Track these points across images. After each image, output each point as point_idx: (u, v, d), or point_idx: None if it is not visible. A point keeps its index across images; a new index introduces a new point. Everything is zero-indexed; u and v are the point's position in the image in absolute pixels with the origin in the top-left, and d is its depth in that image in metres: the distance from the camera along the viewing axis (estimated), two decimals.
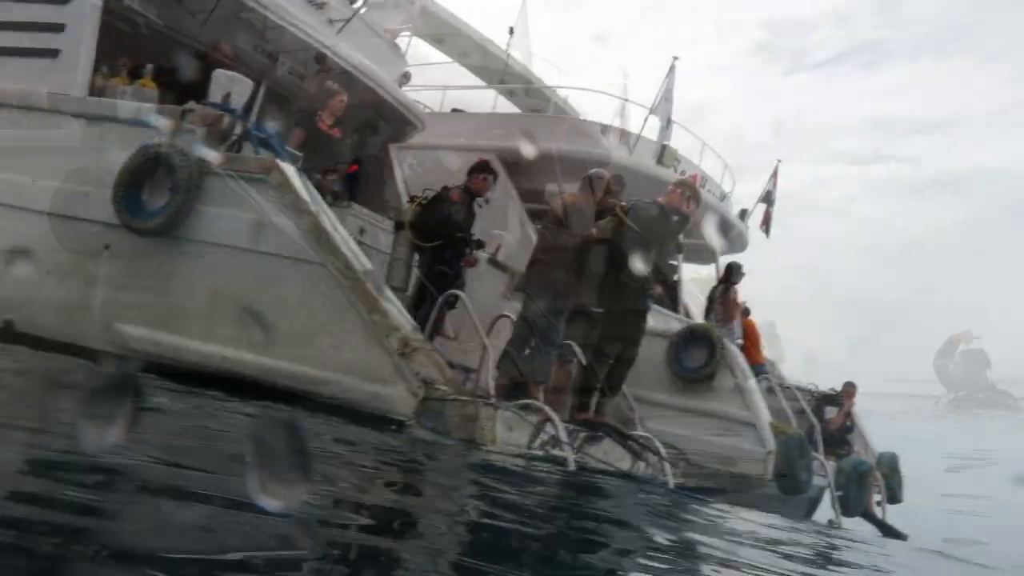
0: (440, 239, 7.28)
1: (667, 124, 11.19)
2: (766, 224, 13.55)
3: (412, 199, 7.88)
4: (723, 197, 12.92)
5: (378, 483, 3.86)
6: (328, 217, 5.82)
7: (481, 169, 7.69)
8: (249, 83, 6.75)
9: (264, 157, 6.19)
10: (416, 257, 7.50)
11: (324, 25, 8.37)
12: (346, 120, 8.04)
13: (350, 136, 8.78)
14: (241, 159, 6.22)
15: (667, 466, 7.56)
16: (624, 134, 11.49)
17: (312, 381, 5.45)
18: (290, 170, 5.91)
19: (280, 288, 5.83)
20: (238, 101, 6.47)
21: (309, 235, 5.71)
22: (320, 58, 8.14)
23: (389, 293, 5.73)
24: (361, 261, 5.68)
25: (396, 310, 5.55)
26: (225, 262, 6.04)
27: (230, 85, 6.43)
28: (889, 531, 10.94)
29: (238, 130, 6.29)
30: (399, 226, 7.75)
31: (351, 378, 5.41)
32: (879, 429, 12.97)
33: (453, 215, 7.31)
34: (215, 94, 6.46)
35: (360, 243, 7.08)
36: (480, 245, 8.06)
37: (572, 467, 5.81)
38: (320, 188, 6.50)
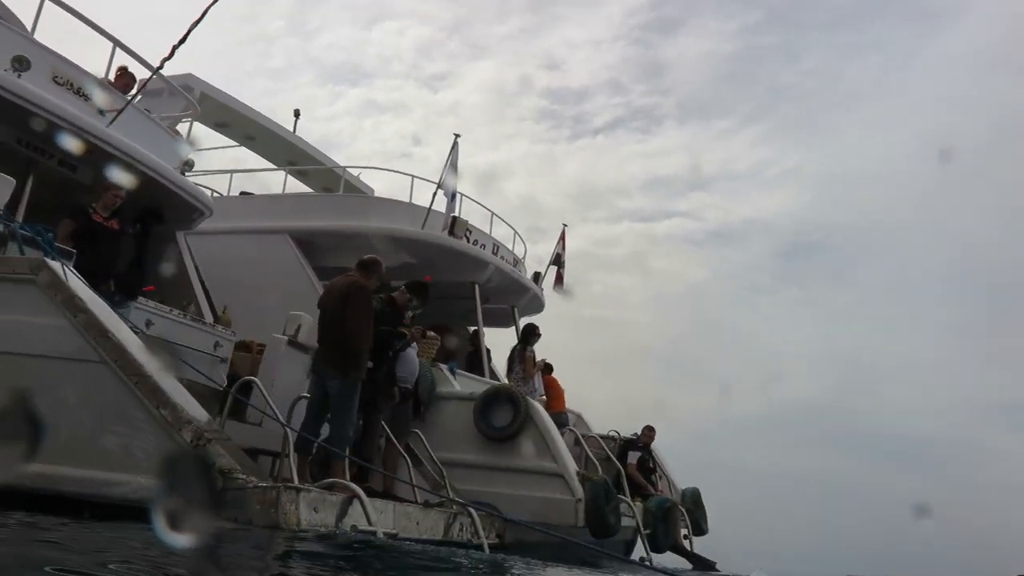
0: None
1: (452, 197, 11.66)
2: (559, 284, 14.32)
3: None
4: (516, 263, 13.52)
5: None
6: (106, 313, 5.63)
7: (410, 288, 8.14)
8: (10, 180, 6.45)
9: (31, 257, 5.91)
10: None
11: (93, 115, 8.12)
12: (125, 211, 7.80)
13: (133, 227, 8.50)
14: (5, 260, 5.91)
15: (481, 530, 7.74)
16: (415, 209, 11.85)
17: (100, 484, 5.20)
18: (60, 268, 5.68)
19: (58, 391, 5.54)
20: None
21: (86, 333, 5.49)
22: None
23: (179, 385, 5.60)
24: (145, 356, 5.52)
25: (186, 401, 5.42)
26: None
27: None
28: (698, 561, 11.66)
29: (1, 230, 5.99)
30: None
31: (143, 476, 5.21)
32: None
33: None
34: None
35: (148, 336, 6.88)
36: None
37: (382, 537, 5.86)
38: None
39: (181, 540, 1.84)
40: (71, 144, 7.98)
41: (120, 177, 7.74)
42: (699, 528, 12.42)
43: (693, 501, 12.57)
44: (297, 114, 14.97)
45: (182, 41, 7.40)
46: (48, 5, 8.01)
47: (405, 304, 7.98)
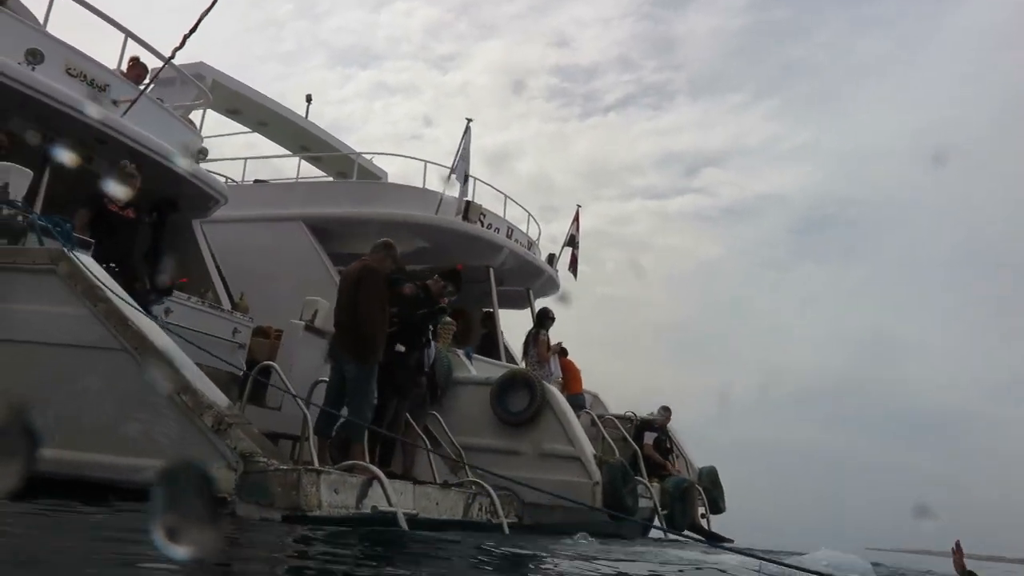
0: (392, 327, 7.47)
1: (465, 181, 11.67)
2: (573, 266, 14.33)
3: None
4: (530, 245, 13.54)
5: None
6: (126, 301, 5.69)
7: (444, 276, 8.04)
8: (27, 172, 6.51)
9: (51, 247, 5.98)
10: None
11: (108, 106, 8.17)
12: (141, 200, 7.85)
13: (148, 216, 8.55)
14: (25, 251, 5.98)
15: (500, 509, 7.80)
16: (428, 194, 11.88)
17: (124, 469, 5.27)
18: (80, 258, 5.75)
19: (81, 379, 5.62)
20: (17, 190, 6.22)
21: (107, 322, 5.56)
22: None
23: (198, 370, 5.66)
24: (165, 342, 5.58)
25: (207, 387, 5.49)
26: (17, 358, 5.77)
27: (5, 175, 6.19)
28: (715, 539, 11.68)
29: (19, 221, 6.05)
30: None
31: (167, 461, 5.27)
32: None
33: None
34: None
35: (168, 324, 6.94)
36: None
37: (403, 525, 5.92)
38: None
39: (180, 553, 1.85)
40: (86, 135, 8.06)
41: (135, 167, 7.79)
42: (716, 507, 12.43)
43: (710, 480, 12.58)
44: (309, 99, 15.01)
45: (193, 30, 7.40)
46: None
47: (440, 291, 8.01)
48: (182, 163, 8.65)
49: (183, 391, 5.37)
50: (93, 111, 7.77)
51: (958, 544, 5.30)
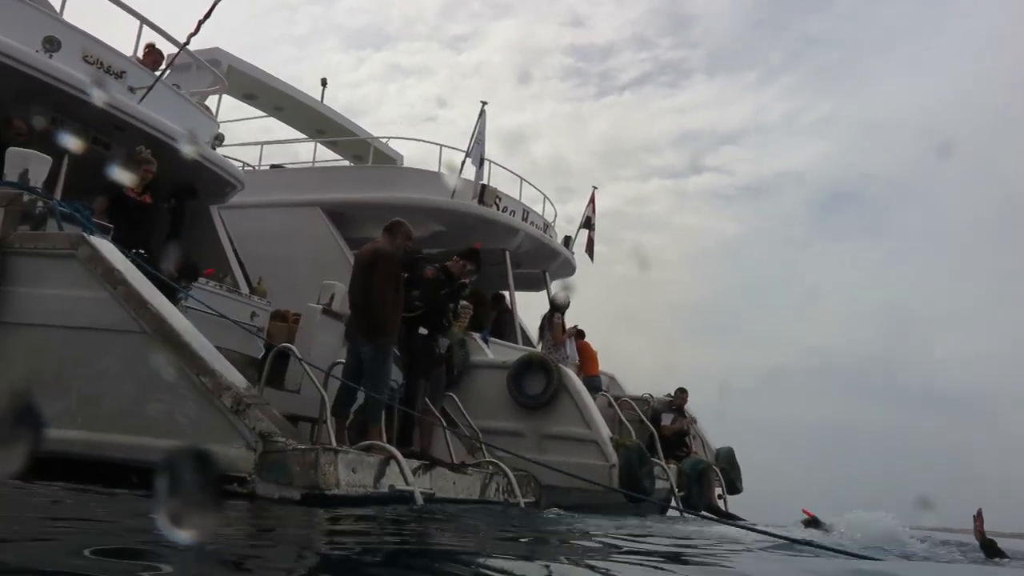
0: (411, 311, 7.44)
1: (480, 164, 11.68)
2: (590, 249, 14.33)
3: None
4: (546, 227, 13.54)
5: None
6: (144, 284, 5.76)
7: (464, 255, 8.04)
8: (47, 158, 6.58)
9: (71, 232, 6.06)
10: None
11: (124, 94, 8.24)
12: (158, 186, 7.93)
13: (167, 202, 8.63)
14: (45, 237, 6.06)
15: (517, 489, 7.86)
16: (444, 178, 11.90)
17: (145, 450, 5.35)
18: (99, 243, 5.82)
19: (101, 361, 5.71)
20: (37, 177, 6.30)
21: (126, 305, 5.64)
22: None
23: (216, 352, 5.73)
24: (184, 324, 5.65)
25: (225, 368, 5.55)
26: (40, 341, 5.86)
27: (25, 162, 6.27)
28: (731, 520, 11.71)
29: (40, 207, 6.14)
30: None
31: (186, 441, 5.35)
32: None
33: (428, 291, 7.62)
34: (11, 173, 6.29)
35: (186, 307, 7.03)
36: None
37: (420, 502, 5.99)
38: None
39: (181, 536, 1.87)
40: (103, 122, 8.13)
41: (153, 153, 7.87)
42: (734, 487, 12.46)
43: (727, 461, 12.61)
44: (324, 83, 15.07)
45: (207, 16, 7.43)
46: None
47: (460, 271, 8.01)
48: (186, 149, 8.68)
49: (202, 373, 5.44)
50: (107, 97, 7.83)
51: (979, 512, 5.28)
